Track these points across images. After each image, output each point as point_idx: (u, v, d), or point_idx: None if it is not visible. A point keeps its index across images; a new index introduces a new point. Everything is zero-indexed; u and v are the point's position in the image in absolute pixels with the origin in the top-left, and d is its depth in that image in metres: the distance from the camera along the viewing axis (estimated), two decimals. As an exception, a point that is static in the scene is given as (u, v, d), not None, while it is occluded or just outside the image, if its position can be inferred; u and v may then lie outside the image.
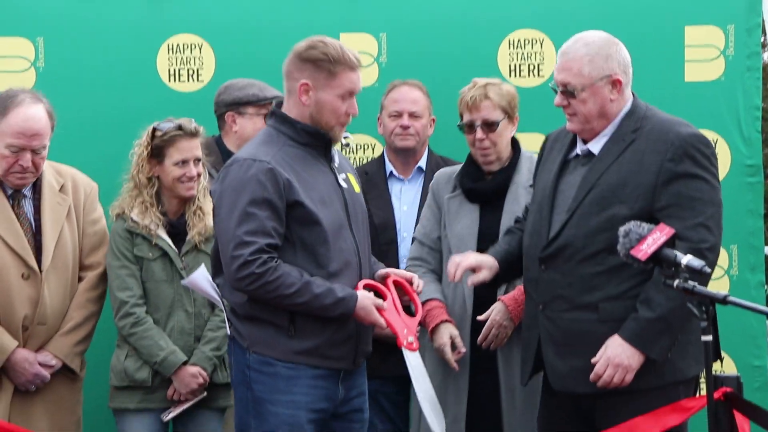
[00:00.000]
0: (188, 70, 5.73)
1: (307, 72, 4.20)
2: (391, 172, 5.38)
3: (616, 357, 3.93)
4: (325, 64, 4.18)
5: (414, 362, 4.21)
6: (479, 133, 4.80)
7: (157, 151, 4.82)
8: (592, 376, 3.96)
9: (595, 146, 4.13)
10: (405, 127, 5.26)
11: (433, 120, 5.34)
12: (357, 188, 4.37)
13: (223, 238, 4.13)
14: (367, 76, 5.67)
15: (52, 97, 5.52)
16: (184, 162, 4.82)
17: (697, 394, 4.16)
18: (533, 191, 4.36)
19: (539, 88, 5.67)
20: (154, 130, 4.84)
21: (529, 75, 5.76)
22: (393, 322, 4.17)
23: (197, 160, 4.84)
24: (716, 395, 3.62)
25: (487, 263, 4.28)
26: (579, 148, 4.19)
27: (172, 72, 5.73)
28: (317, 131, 4.21)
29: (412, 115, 5.26)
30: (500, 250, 4.36)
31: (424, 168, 5.34)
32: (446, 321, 4.66)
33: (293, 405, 4.14)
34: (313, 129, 4.21)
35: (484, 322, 4.63)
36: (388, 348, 4.87)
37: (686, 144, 4.01)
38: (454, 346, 4.62)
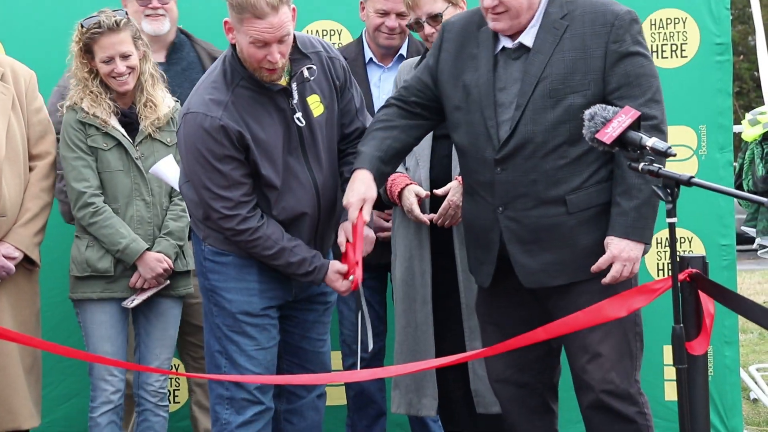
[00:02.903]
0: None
1: (229, 11, 4.02)
2: (371, 59, 5.22)
3: (621, 252, 3.90)
4: (233, 8, 3.97)
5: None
6: (428, 29, 4.68)
7: (86, 47, 4.67)
8: (593, 267, 3.92)
9: (527, 38, 4.00)
10: (392, 28, 5.07)
11: None
12: (320, 109, 4.20)
13: (196, 184, 4.13)
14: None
15: (11, 9, 5.45)
16: (110, 59, 4.66)
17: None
18: (445, 87, 4.14)
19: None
20: (80, 25, 4.68)
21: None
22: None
23: (124, 55, 4.66)
24: (681, 276, 3.59)
25: (367, 192, 4.08)
26: (506, 43, 4.05)
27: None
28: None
29: (400, 15, 5.04)
30: (373, 162, 4.12)
31: (405, 55, 5.17)
32: (409, 184, 4.62)
33: (247, 292, 4.22)
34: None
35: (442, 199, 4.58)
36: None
37: (625, 23, 3.95)
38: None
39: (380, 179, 4.17)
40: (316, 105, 4.18)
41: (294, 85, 4.12)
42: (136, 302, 4.73)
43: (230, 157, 4.04)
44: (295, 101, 4.12)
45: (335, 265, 4.19)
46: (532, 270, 4.03)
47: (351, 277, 4.13)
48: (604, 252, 3.94)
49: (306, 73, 4.11)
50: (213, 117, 4.01)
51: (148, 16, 5.14)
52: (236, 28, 3.99)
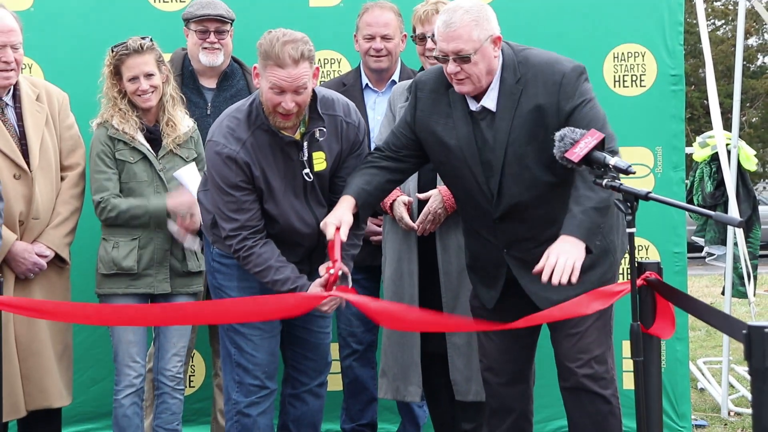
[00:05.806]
0: (173, -9, 5.61)
1: (258, 57, 4.06)
2: (367, 85, 5.26)
3: (564, 242, 3.78)
4: (260, 56, 4.02)
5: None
6: (429, 43, 4.74)
7: (115, 69, 4.74)
8: (537, 267, 3.77)
9: (489, 102, 3.99)
10: (378, 50, 5.12)
11: (405, 36, 5.19)
12: (322, 165, 4.21)
13: (213, 203, 4.21)
14: (333, -6, 5.65)
15: (47, 20, 5.49)
16: (135, 78, 4.71)
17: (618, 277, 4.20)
18: (426, 143, 4.12)
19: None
20: (111, 49, 4.75)
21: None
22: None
23: (148, 75, 4.71)
24: (639, 280, 3.62)
25: (344, 216, 4.00)
26: (473, 106, 4.03)
27: (158, -7, 5.61)
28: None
29: (384, 38, 5.11)
30: (360, 193, 4.08)
31: (397, 81, 5.19)
32: (399, 196, 4.66)
33: (250, 290, 4.27)
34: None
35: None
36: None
37: (572, 80, 3.93)
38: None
39: (366, 209, 4.15)
40: (320, 161, 4.20)
41: (305, 143, 4.15)
42: (197, 243, 4.74)
43: (240, 186, 4.09)
44: (305, 157, 4.15)
45: (316, 284, 4.10)
46: (545, 295, 4.01)
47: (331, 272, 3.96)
48: (600, 262, 4.00)
49: (317, 134, 4.14)
50: (230, 149, 4.06)
51: (205, 48, 5.15)
52: (261, 74, 4.03)
